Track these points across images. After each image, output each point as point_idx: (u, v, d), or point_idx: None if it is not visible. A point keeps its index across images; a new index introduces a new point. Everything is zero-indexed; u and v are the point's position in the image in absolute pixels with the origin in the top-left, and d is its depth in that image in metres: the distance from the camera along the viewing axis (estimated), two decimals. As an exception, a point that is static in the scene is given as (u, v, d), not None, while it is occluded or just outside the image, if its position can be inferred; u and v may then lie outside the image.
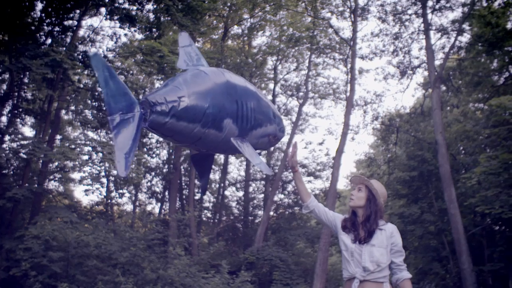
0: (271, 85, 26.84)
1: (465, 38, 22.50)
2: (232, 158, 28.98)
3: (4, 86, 17.98)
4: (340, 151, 20.69)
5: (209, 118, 3.04)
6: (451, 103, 26.18)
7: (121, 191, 24.09)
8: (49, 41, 16.52)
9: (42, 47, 15.32)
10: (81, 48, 18.14)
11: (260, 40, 45.96)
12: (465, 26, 21.44)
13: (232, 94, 3.28)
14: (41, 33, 16.65)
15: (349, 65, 22.72)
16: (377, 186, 3.73)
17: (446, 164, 18.68)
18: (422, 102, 25.56)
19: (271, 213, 25.83)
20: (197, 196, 27.09)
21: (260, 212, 27.55)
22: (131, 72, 19.88)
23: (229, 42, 25.09)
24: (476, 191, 17.72)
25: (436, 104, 19.69)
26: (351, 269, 3.54)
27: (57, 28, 16.83)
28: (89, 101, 20.27)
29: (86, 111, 20.66)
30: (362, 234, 3.58)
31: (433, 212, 21.47)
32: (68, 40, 17.03)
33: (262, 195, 27.81)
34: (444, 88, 24.08)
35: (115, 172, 18.84)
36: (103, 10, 17.94)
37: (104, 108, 19.10)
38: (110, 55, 18.02)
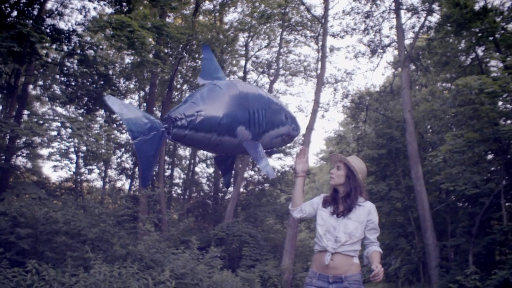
0: (242, 62, 26.69)
1: (434, 18, 22.73)
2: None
3: (-32, 60, 17.46)
4: (310, 128, 20.91)
5: (224, 127, 3.48)
6: (419, 82, 26.55)
7: (90, 167, 23.86)
8: (14, 13, 16.06)
9: (8, 19, 14.90)
10: (49, 21, 17.70)
11: (231, 16, 45.62)
12: (435, 6, 21.66)
13: (244, 104, 3.70)
14: (6, 5, 16.15)
15: (320, 43, 22.81)
16: (355, 163, 3.84)
17: (414, 142, 19.07)
18: (392, 81, 25.90)
19: (241, 189, 25.97)
20: (167, 173, 27.07)
21: (230, 189, 27.69)
22: (100, 47, 19.54)
23: (201, 17, 24.80)
24: (442, 168, 18.15)
25: (405, 83, 19.99)
26: (323, 243, 3.65)
27: (23, 0, 16.36)
28: (57, 76, 19.84)
29: (55, 86, 20.25)
30: (341, 209, 3.70)
31: (400, 189, 21.94)
32: (35, 12, 16.58)
33: (232, 172, 27.87)
34: (413, 67, 24.39)
35: (84, 148, 18.66)
36: (71, -18, 17.52)
37: (73, 83, 18.79)
38: (79, 29, 17.64)
